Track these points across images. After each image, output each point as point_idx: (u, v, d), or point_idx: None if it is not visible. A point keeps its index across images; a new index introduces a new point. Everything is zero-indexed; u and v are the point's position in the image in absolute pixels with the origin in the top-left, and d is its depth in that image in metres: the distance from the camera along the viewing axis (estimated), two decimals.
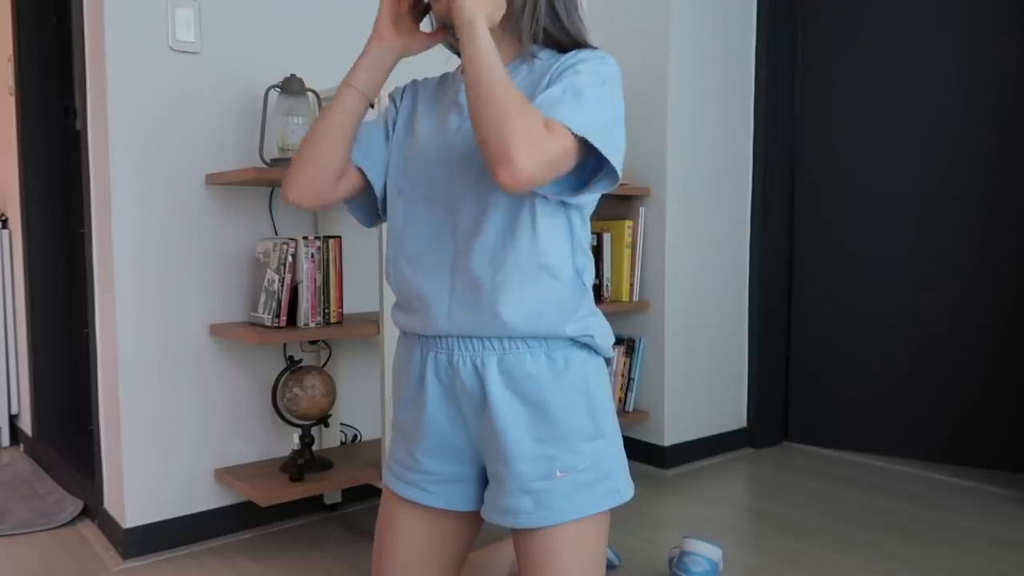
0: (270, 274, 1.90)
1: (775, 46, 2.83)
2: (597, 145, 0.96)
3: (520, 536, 1.10)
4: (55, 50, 2.73)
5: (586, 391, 1.10)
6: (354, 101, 1.11)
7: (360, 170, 1.16)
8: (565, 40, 1.11)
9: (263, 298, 1.92)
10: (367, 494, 2.29)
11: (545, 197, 1.04)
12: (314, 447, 2.16)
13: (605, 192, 1.05)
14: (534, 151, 0.90)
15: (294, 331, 1.84)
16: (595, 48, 1.09)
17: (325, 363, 2.19)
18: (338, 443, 2.22)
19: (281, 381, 2.03)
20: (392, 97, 1.21)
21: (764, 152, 2.84)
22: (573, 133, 0.95)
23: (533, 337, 1.07)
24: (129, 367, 1.88)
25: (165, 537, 1.95)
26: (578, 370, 1.09)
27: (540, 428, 1.08)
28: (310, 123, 1.94)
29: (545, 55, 1.11)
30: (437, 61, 1.36)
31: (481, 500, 1.17)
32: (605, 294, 2.63)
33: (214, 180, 1.93)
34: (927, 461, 2.74)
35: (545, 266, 1.06)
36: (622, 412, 2.67)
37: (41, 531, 2.08)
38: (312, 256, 1.89)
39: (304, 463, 1.95)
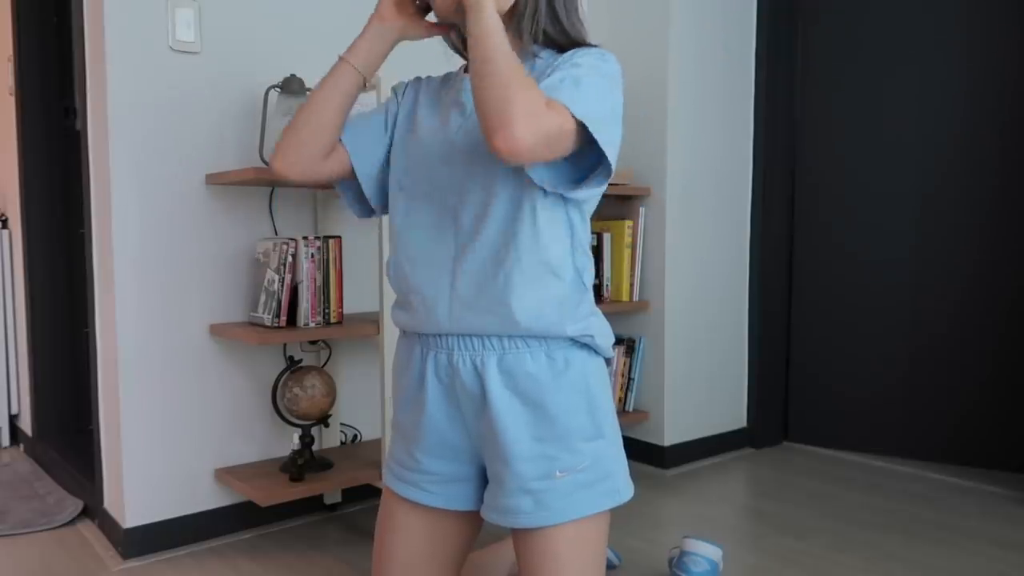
0: (270, 274, 1.90)
1: (775, 47, 2.83)
2: (594, 133, 0.95)
3: (520, 536, 1.10)
4: (55, 50, 2.73)
5: (586, 391, 1.10)
6: (348, 77, 1.12)
7: (352, 161, 1.17)
8: (564, 41, 1.11)
9: (263, 298, 1.92)
10: (367, 494, 2.29)
11: (544, 190, 1.04)
12: (314, 447, 2.16)
13: (599, 187, 1.05)
14: (532, 121, 0.90)
15: (294, 331, 1.84)
16: (596, 46, 1.09)
17: (325, 363, 2.19)
18: (338, 443, 2.22)
19: (281, 381, 2.03)
20: (395, 90, 1.22)
21: (764, 153, 2.84)
22: (573, 115, 0.94)
23: (533, 336, 1.07)
24: (129, 367, 1.88)
25: (165, 537, 1.95)
26: (578, 370, 1.10)
27: (540, 428, 1.08)
28: None
29: (545, 55, 1.11)
30: (438, 60, 1.36)
31: (481, 500, 1.17)
32: (605, 294, 2.63)
33: (214, 180, 1.93)
34: (927, 461, 2.74)
35: (546, 264, 1.06)
36: (622, 412, 2.67)
37: (41, 531, 2.08)
38: (312, 256, 1.89)
39: (304, 463, 1.95)
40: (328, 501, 2.21)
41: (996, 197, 2.59)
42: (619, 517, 2.18)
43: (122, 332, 1.87)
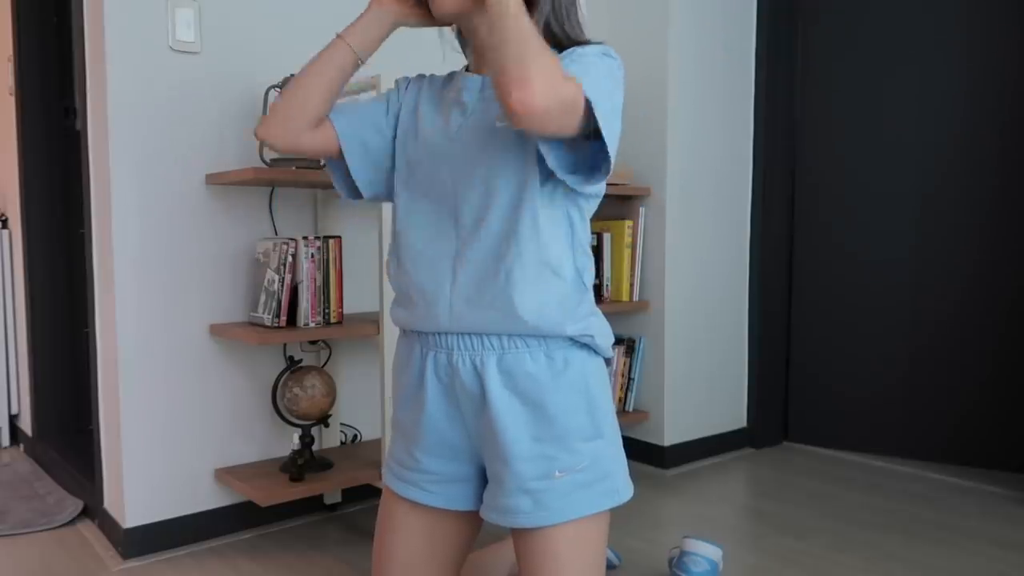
0: (270, 274, 1.90)
1: (775, 47, 2.83)
2: (599, 118, 0.94)
3: (519, 536, 1.10)
4: (55, 50, 2.73)
5: (585, 391, 1.10)
6: (342, 55, 1.13)
7: (337, 136, 1.17)
8: (565, 41, 1.11)
9: (263, 298, 1.92)
10: (367, 494, 2.29)
11: (543, 187, 1.04)
12: (314, 447, 2.16)
13: (600, 183, 1.05)
14: (550, 84, 0.88)
15: (294, 331, 1.84)
16: (600, 43, 1.08)
17: (325, 363, 2.19)
18: (338, 443, 2.22)
19: (281, 381, 2.03)
20: (398, 83, 1.22)
21: (764, 153, 2.84)
22: (585, 93, 0.93)
23: (532, 336, 1.07)
24: (129, 367, 1.88)
25: (165, 537, 1.95)
26: (577, 370, 1.10)
27: (539, 428, 1.08)
28: None
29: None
30: (439, 58, 1.36)
31: (481, 500, 1.17)
32: (605, 294, 2.63)
33: (214, 180, 1.93)
34: (927, 461, 2.74)
35: (546, 263, 1.06)
36: (622, 412, 2.67)
37: (41, 531, 2.08)
38: (312, 256, 1.90)
39: (304, 463, 1.95)
40: (328, 501, 2.21)
41: (996, 197, 2.59)
42: (619, 517, 2.18)
43: (122, 332, 1.87)
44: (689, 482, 2.52)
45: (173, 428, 1.96)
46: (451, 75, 1.20)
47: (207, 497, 2.02)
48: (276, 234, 2.10)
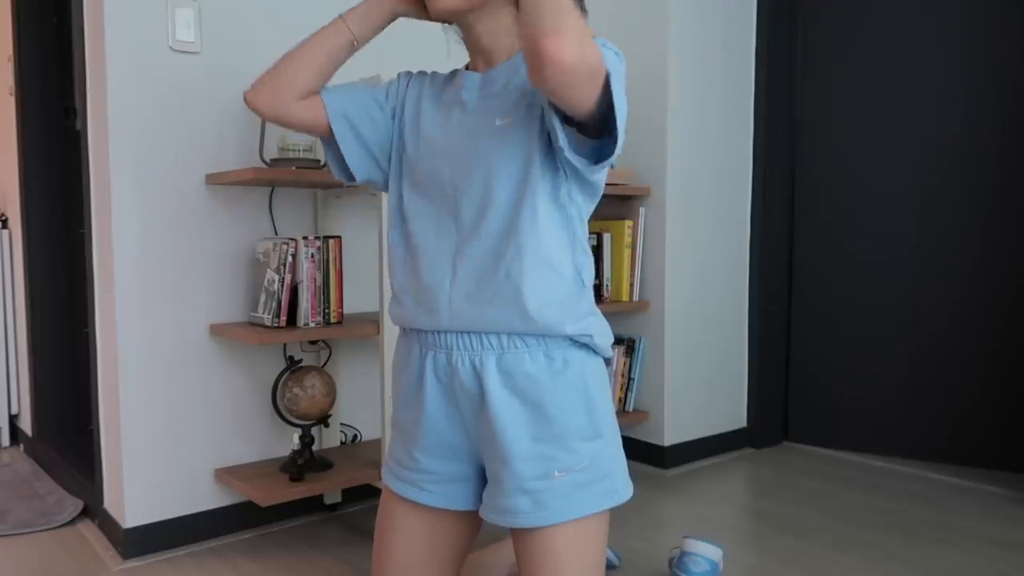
0: (270, 274, 1.90)
1: (775, 46, 2.83)
2: (614, 93, 0.94)
3: (519, 536, 1.10)
4: (55, 50, 2.73)
5: (584, 391, 1.10)
6: (340, 35, 1.15)
7: (326, 113, 1.17)
8: None
9: (263, 298, 1.92)
10: (367, 494, 2.29)
11: (542, 184, 1.04)
12: (314, 447, 2.16)
13: (605, 166, 1.04)
14: (581, 42, 0.86)
15: (294, 331, 1.84)
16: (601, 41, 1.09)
17: (325, 363, 2.19)
18: (338, 443, 2.22)
19: (281, 381, 2.03)
20: (400, 76, 1.23)
21: (764, 152, 2.84)
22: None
23: (531, 335, 1.07)
24: (129, 367, 1.88)
25: (165, 537, 1.95)
26: (576, 370, 1.10)
27: (538, 428, 1.08)
28: None
29: None
30: (440, 57, 1.36)
31: (480, 499, 1.17)
32: (605, 294, 2.63)
33: (214, 180, 1.93)
34: (927, 461, 2.74)
35: (546, 261, 1.06)
36: (622, 412, 2.67)
37: (41, 531, 2.08)
38: (312, 256, 1.89)
39: (304, 463, 1.95)
40: (328, 501, 2.21)
41: (996, 196, 2.59)
42: (619, 517, 2.18)
43: (122, 332, 1.87)
44: (689, 482, 2.52)
45: (173, 428, 1.96)
46: (453, 73, 1.20)
47: (207, 497, 2.02)
48: (276, 234, 2.10)
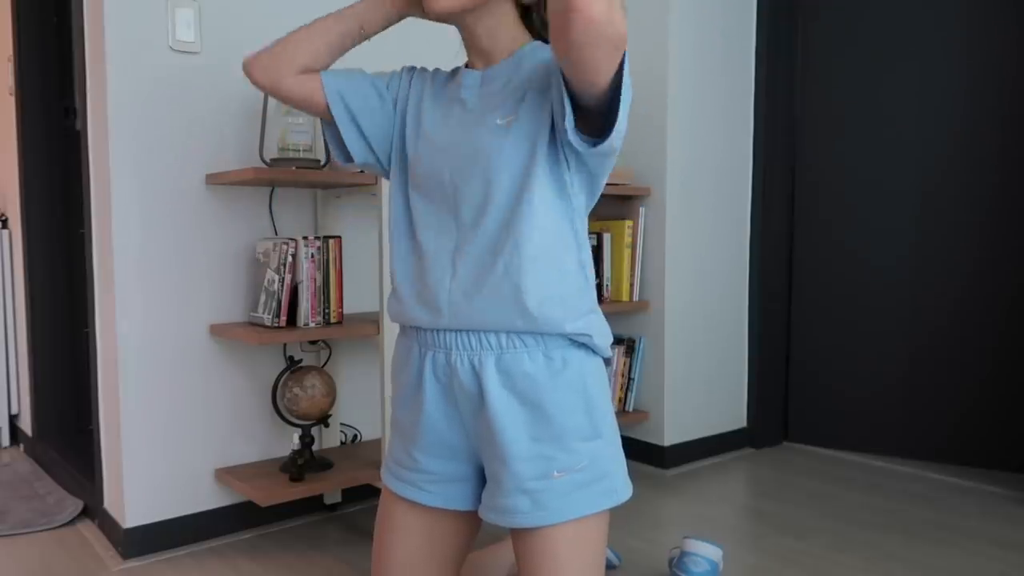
0: (270, 274, 1.90)
1: (775, 44, 2.83)
2: (625, 72, 0.94)
3: (519, 536, 1.10)
4: (55, 50, 2.73)
5: (583, 390, 1.10)
6: (346, 21, 1.17)
7: (324, 93, 1.18)
8: (542, 31, 1.14)
9: (263, 298, 1.92)
10: (367, 494, 2.29)
11: (544, 180, 1.05)
12: (314, 447, 2.16)
13: (604, 143, 1.02)
14: (612, 9, 0.86)
15: (294, 331, 1.84)
16: None
17: (325, 363, 2.19)
18: (338, 443, 2.22)
19: (281, 381, 2.03)
20: (404, 70, 1.23)
21: (764, 151, 2.84)
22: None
23: (530, 333, 1.07)
24: (129, 367, 1.88)
25: (165, 537, 1.95)
26: (575, 370, 1.09)
27: (537, 427, 1.08)
28: (310, 123, 1.94)
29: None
30: (442, 56, 1.36)
31: (479, 499, 1.17)
32: (605, 294, 2.63)
33: (214, 180, 1.93)
34: (927, 461, 2.74)
35: (547, 256, 1.06)
36: (622, 412, 2.67)
37: (41, 531, 2.08)
38: (312, 256, 1.89)
39: (304, 463, 1.95)
40: (328, 501, 2.22)
41: (996, 194, 2.59)
42: (619, 517, 2.18)
43: (122, 332, 1.87)
44: (689, 482, 2.52)
45: (173, 428, 1.96)
46: (454, 71, 1.21)
47: (207, 497, 2.02)
48: (276, 234, 2.10)
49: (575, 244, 1.10)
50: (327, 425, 2.10)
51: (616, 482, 1.12)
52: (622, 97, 0.95)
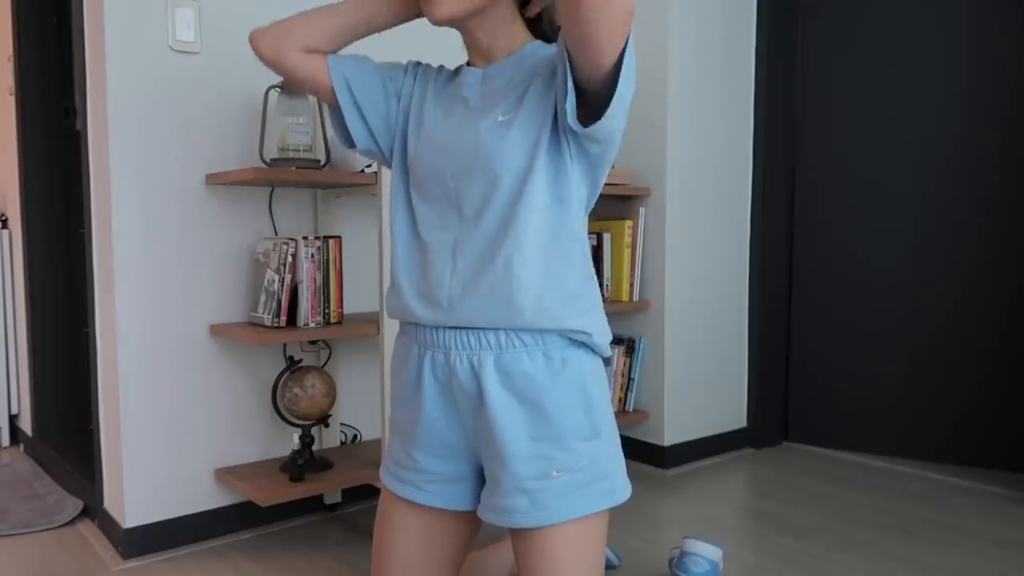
0: (270, 274, 1.90)
1: (775, 44, 2.83)
2: (627, 51, 0.95)
3: (518, 536, 1.10)
4: (55, 50, 2.73)
5: (583, 390, 1.10)
6: (359, 9, 1.17)
7: (329, 75, 1.18)
8: (551, 34, 1.15)
9: (263, 298, 1.92)
10: (367, 494, 2.29)
11: (550, 170, 1.05)
12: (314, 447, 2.16)
13: (599, 123, 1.02)
14: None
15: (294, 331, 1.84)
16: None
17: (325, 363, 2.19)
18: (338, 443, 2.22)
19: (281, 381, 2.03)
20: (410, 64, 1.23)
21: (764, 151, 2.84)
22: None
23: (529, 331, 1.07)
24: (129, 367, 1.88)
25: (165, 537, 1.95)
26: (575, 369, 1.09)
27: (536, 427, 1.08)
28: (310, 123, 1.94)
29: (554, 46, 1.13)
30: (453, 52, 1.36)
31: (479, 499, 1.17)
32: (605, 294, 2.63)
33: (214, 180, 1.93)
34: (927, 461, 2.74)
35: (548, 251, 1.06)
36: (622, 412, 2.67)
37: (41, 531, 2.08)
38: (312, 256, 1.89)
39: (304, 463, 1.95)
40: (328, 501, 2.22)
41: (996, 195, 2.59)
42: (619, 517, 2.18)
43: (122, 332, 1.87)
44: (689, 482, 2.52)
45: (173, 428, 1.96)
46: (457, 70, 1.21)
47: (207, 497, 2.02)
48: (276, 234, 2.10)
49: (577, 240, 1.10)
50: (327, 425, 2.10)
51: (615, 482, 1.12)
52: (622, 75, 0.96)
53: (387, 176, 1.86)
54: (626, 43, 0.94)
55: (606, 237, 2.64)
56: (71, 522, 2.14)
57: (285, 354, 2.12)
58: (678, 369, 2.68)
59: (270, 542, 2.01)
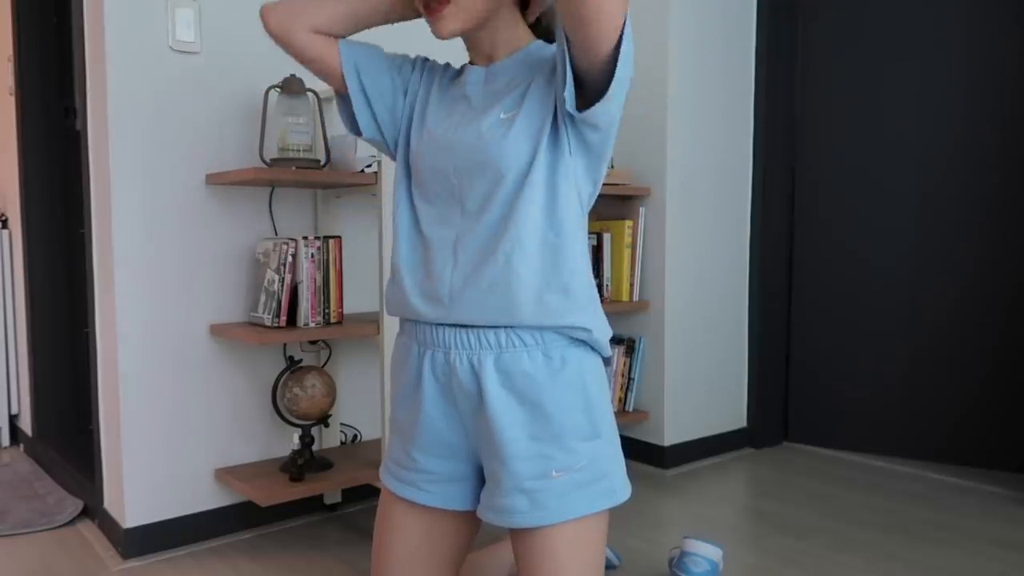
0: (270, 274, 1.90)
1: (775, 44, 2.83)
2: (624, 38, 0.95)
3: (518, 536, 1.10)
4: (55, 50, 2.73)
5: (582, 389, 1.10)
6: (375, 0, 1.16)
7: (340, 60, 1.18)
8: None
9: (263, 298, 1.92)
10: (367, 494, 2.29)
11: (550, 166, 1.06)
12: (314, 447, 2.16)
13: (597, 106, 1.02)
14: None
15: (294, 331, 1.84)
16: None
17: (325, 363, 2.19)
18: (338, 443, 2.22)
19: (281, 381, 2.03)
20: (418, 59, 1.24)
21: (764, 151, 2.84)
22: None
23: (528, 328, 1.07)
24: (129, 367, 1.88)
25: (165, 537, 1.95)
26: (575, 369, 1.10)
27: (536, 427, 1.08)
28: (310, 123, 1.94)
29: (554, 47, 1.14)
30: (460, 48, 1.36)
31: (479, 499, 1.17)
32: (605, 294, 2.63)
33: (214, 180, 1.93)
34: (927, 461, 2.74)
35: (548, 246, 1.07)
36: (622, 412, 2.67)
37: (41, 531, 2.08)
38: (312, 256, 1.89)
39: (304, 463, 1.95)
40: (328, 501, 2.22)
41: (996, 194, 2.59)
42: (619, 517, 2.18)
43: (122, 332, 1.87)
44: (689, 482, 2.52)
45: (173, 428, 1.96)
46: (461, 69, 1.21)
47: (207, 497, 2.02)
48: (276, 234, 2.10)
49: (577, 237, 1.10)
50: (327, 425, 2.10)
51: (615, 482, 1.11)
52: (620, 58, 0.96)
53: (387, 176, 1.86)
54: (624, 30, 0.95)
55: (606, 237, 2.64)
56: (71, 522, 2.14)
57: (285, 354, 2.12)
58: (678, 369, 2.68)
59: (270, 542, 2.01)
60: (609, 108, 1.01)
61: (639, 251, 2.65)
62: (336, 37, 1.18)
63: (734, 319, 2.87)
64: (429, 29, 1.21)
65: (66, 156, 2.74)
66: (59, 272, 2.75)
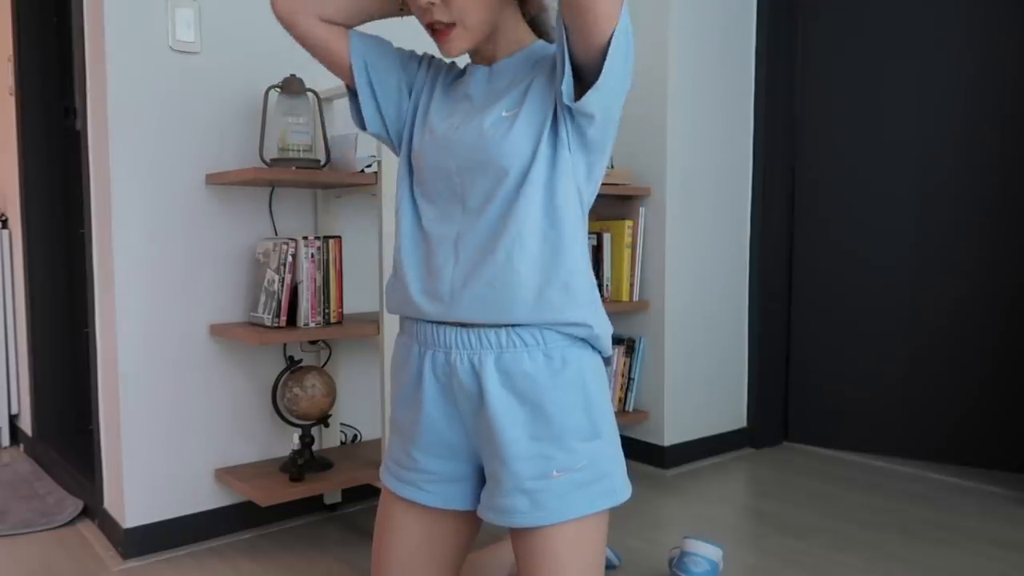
0: (270, 274, 1.90)
1: (775, 44, 2.83)
2: (620, 31, 0.97)
3: (518, 536, 1.10)
4: (55, 50, 2.73)
5: (583, 388, 1.10)
6: None
7: (349, 52, 1.18)
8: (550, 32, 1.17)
9: (263, 298, 1.92)
10: (367, 494, 2.29)
11: (551, 164, 1.06)
12: (314, 447, 2.16)
13: (590, 96, 1.03)
14: None
15: (294, 331, 1.84)
16: None
17: (325, 363, 2.19)
18: (338, 443, 2.22)
19: (281, 381, 2.03)
20: (424, 56, 1.24)
21: (764, 150, 2.84)
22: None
23: (529, 327, 1.07)
24: (129, 367, 1.88)
25: (165, 537, 1.95)
26: (575, 368, 1.10)
27: (536, 427, 1.08)
28: (310, 123, 1.94)
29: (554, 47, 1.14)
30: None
31: (479, 499, 1.17)
32: (605, 294, 2.63)
33: (214, 180, 1.93)
34: (927, 461, 2.74)
35: (549, 244, 1.07)
36: (622, 412, 2.67)
37: (41, 531, 2.08)
38: (312, 256, 1.89)
39: (304, 463, 1.95)
40: (328, 501, 2.22)
41: (996, 194, 2.59)
42: (619, 517, 2.18)
43: (122, 332, 1.87)
44: (689, 482, 2.52)
45: (173, 428, 1.96)
46: (464, 68, 1.22)
47: (207, 497, 2.02)
48: (276, 234, 2.10)
49: (577, 233, 1.10)
50: (327, 425, 2.10)
51: (615, 482, 1.11)
52: (614, 44, 0.97)
53: (387, 176, 1.86)
54: (620, 21, 0.96)
55: (606, 237, 2.64)
56: (71, 522, 2.14)
57: (285, 354, 2.12)
58: (678, 369, 2.68)
59: (270, 542, 2.01)
60: (602, 97, 1.01)
61: (639, 251, 2.65)
62: (345, 27, 1.18)
63: (734, 319, 2.87)
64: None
65: (66, 156, 2.74)
66: (59, 272, 2.75)
